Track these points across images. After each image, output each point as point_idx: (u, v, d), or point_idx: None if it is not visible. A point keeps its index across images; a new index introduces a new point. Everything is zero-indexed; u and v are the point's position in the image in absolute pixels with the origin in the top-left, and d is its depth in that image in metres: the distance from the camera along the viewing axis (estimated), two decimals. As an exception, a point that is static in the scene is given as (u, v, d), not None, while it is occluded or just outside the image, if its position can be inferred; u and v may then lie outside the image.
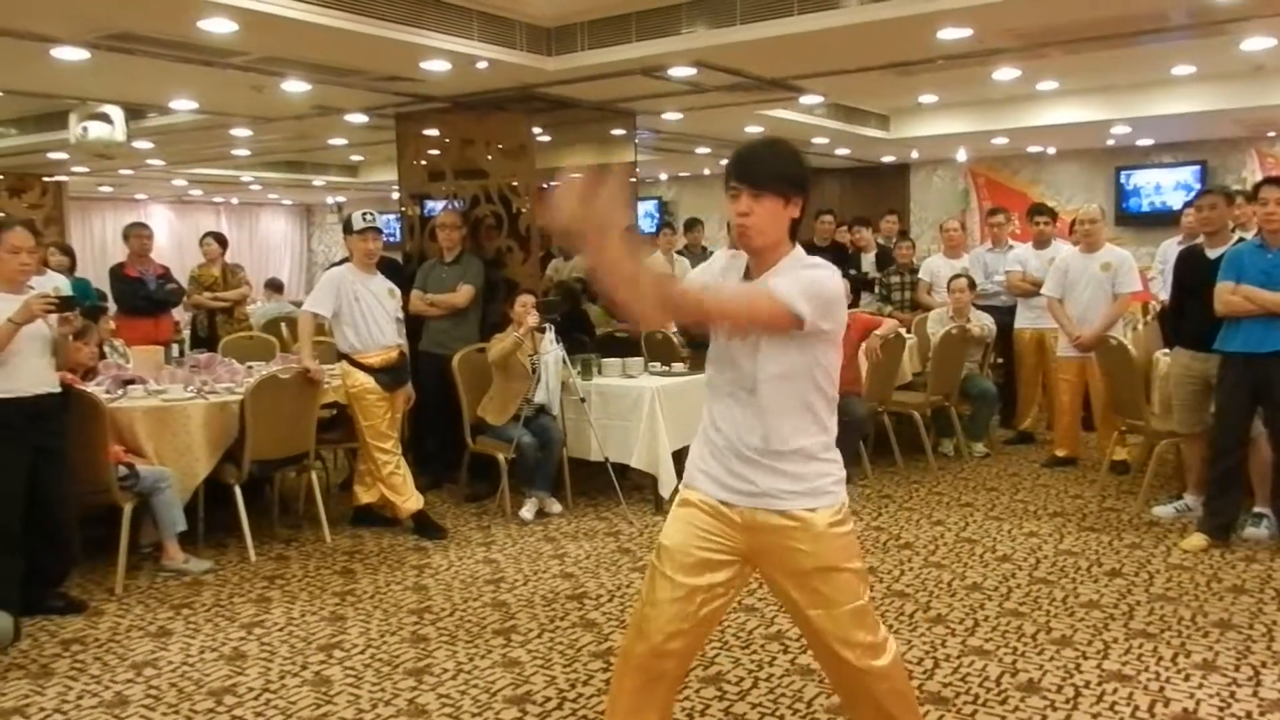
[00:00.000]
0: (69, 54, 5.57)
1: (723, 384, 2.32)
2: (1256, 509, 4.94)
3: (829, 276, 2.22)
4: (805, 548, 2.25)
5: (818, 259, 2.27)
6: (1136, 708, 3.21)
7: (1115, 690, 3.34)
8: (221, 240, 8.16)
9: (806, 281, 2.17)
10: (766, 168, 2.24)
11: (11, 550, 4.08)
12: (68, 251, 7.73)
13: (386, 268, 5.83)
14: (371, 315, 5.20)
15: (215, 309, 7.80)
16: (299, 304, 5.78)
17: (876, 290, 8.20)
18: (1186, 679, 3.41)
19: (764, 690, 3.39)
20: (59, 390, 4.24)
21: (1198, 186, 9.69)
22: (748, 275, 2.32)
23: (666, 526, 2.40)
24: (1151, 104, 8.64)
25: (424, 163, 7.21)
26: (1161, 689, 3.34)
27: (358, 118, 7.83)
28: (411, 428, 6.53)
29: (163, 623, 4.17)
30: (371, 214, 5.32)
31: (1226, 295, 4.65)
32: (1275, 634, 3.78)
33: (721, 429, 2.32)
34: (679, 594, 2.30)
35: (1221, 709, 3.19)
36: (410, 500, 5.36)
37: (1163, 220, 10.08)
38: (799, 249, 2.31)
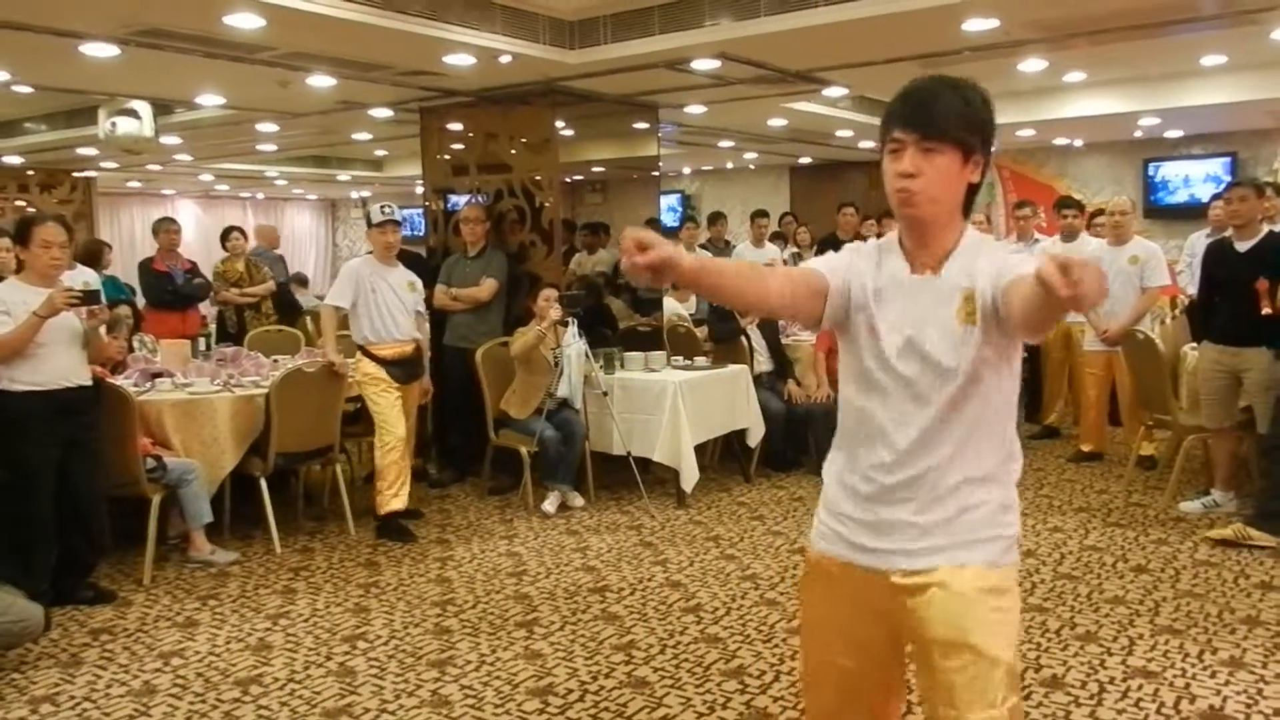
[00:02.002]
0: (98, 50, 5.63)
1: None
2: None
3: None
4: None
5: (1007, 242, 1.86)
6: (1162, 704, 3.18)
7: (1140, 686, 3.31)
8: (245, 234, 8.24)
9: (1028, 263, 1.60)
10: (947, 110, 1.71)
11: (43, 541, 4.15)
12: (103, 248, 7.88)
13: (410, 262, 5.86)
14: (387, 307, 5.21)
15: (243, 304, 7.87)
16: (324, 298, 5.83)
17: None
18: (1213, 676, 3.38)
19: (785, 684, 3.39)
20: (90, 383, 4.30)
21: (1228, 179, 9.56)
22: (909, 264, 1.79)
23: None
24: (1181, 95, 8.52)
25: (448, 157, 7.23)
26: (1187, 685, 3.31)
27: (382, 112, 7.86)
28: (435, 422, 6.57)
29: (190, 613, 4.22)
30: (390, 207, 5.34)
31: None
32: (1304, 631, 3.74)
33: None
34: None
35: (1249, 706, 3.16)
36: (395, 500, 5.22)
37: (1192, 213, 9.94)
38: (972, 229, 1.81)
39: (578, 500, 5.80)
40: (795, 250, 9.56)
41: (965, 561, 1.75)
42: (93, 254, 7.49)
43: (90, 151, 9.81)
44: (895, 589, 1.78)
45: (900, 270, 1.80)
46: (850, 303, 1.82)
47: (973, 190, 1.77)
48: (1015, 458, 1.83)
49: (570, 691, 3.39)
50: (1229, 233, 5.25)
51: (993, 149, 1.78)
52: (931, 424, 1.76)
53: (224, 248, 8.11)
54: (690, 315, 7.75)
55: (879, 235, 8.65)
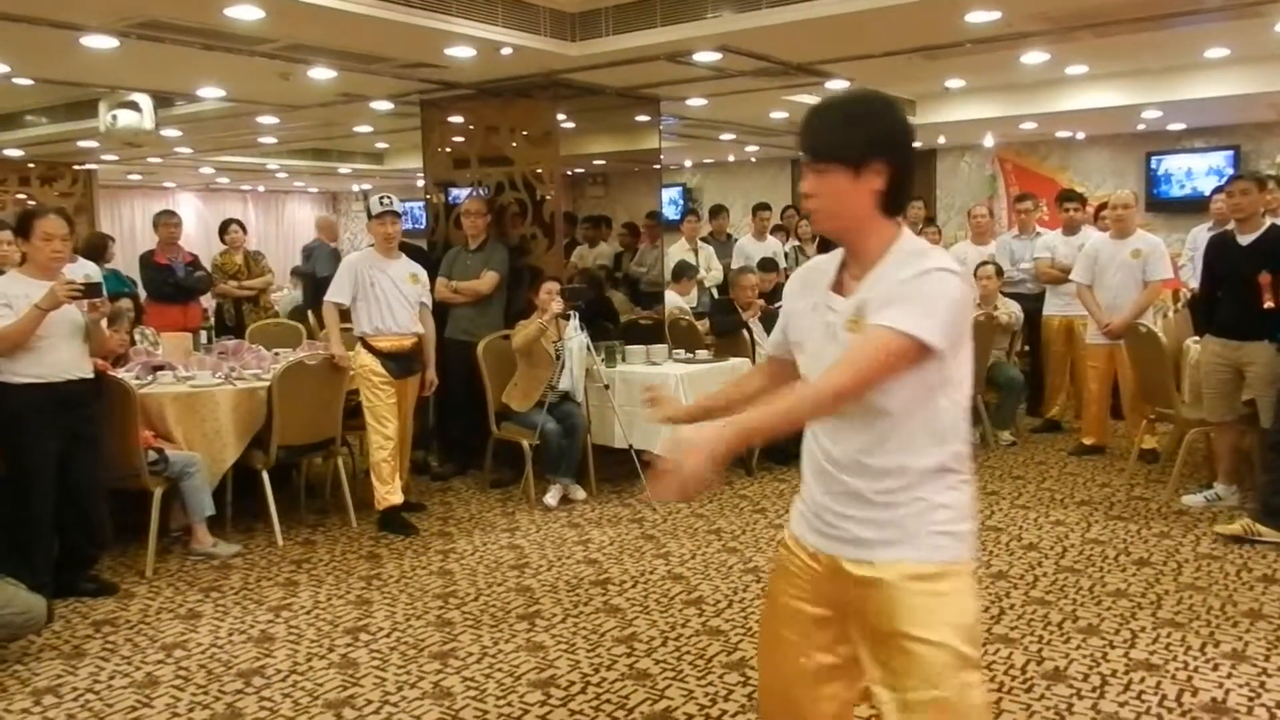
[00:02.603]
0: (98, 42, 5.61)
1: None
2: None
3: (943, 279, 1.72)
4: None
5: (926, 247, 1.82)
6: (1164, 697, 3.19)
7: (1143, 679, 3.31)
8: (244, 227, 8.24)
9: (914, 296, 1.70)
10: (824, 130, 1.80)
11: (45, 534, 4.16)
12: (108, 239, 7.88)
13: (412, 255, 5.84)
14: (385, 300, 5.19)
15: (241, 298, 7.86)
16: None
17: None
18: (1215, 668, 3.38)
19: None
20: (92, 376, 4.29)
21: (1230, 172, 9.53)
22: (840, 278, 1.87)
23: None
24: (1183, 88, 8.49)
25: (449, 150, 7.22)
26: (1190, 678, 3.31)
27: (383, 105, 7.85)
28: (437, 415, 6.57)
29: (192, 605, 4.23)
30: (389, 198, 5.32)
31: None
32: (1306, 624, 3.75)
33: None
34: None
35: (1251, 699, 3.16)
36: (392, 494, 5.22)
37: (1194, 206, 9.91)
38: (906, 233, 1.83)
39: (579, 493, 5.80)
40: (797, 243, 9.55)
41: (899, 557, 1.78)
42: (96, 247, 7.50)
43: (91, 144, 9.81)
44: (842, 576, 1.84)
45: (822, 292, 1.89)
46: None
47: (888, 194, 1.79)
48: (952, 456, 1.81)
49: (572, 683, 3.39)
50: (1231, 226, 5.24)
51: (906, 149, 1.83)
52: (855, 427, 1.81)
53: (222, 241, 8.11)
54: (692, 308, 7.75)
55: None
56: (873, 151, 1.77)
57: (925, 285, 1.71)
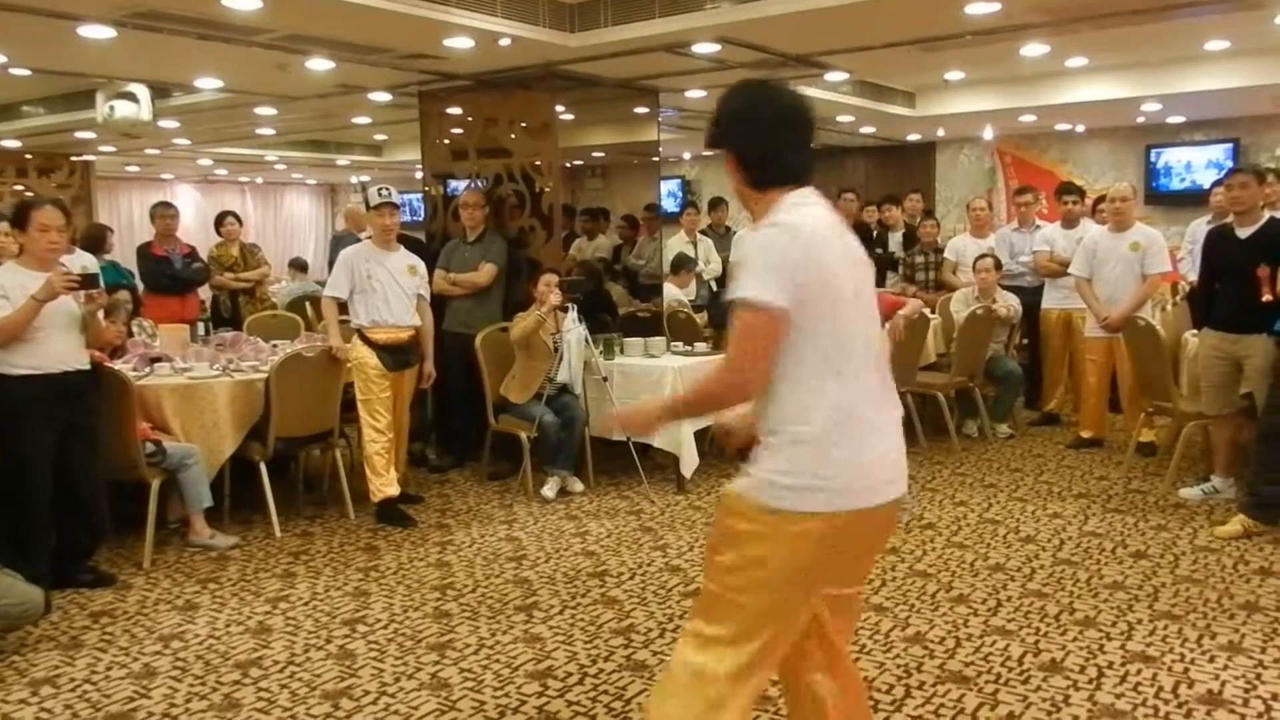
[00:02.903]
0: (95, 32, 5.60)
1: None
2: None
3: (751, 238, 2.01)
4: None
5: (776, 213, 2.02)
6: (1160, 688, 3.19)
7: (1139, 671, 3.32)
8: (239, 219, 8.22)
9: (738, 264, 1.99)
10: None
11: (42, 525, 4.16)
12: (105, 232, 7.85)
13: (411, 247, 5.84)
14: (382, 292, 5.17)
15: (238, 289, 7.85)
16: (323, 283, 5.82)
17: (901, 270, 8.15)
18: (1211, 660, 3.39)
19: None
20: (89, 368, 4.29)
21: (1230, 165, 9.52)
22: None
23: None
24: (1183, 80, 8.48)
25: (447, 141, 7.20)
26: (1186, 670, 3.32)
27: (381, 96, 7.83)
28: (435, 407, 6.57)
29: (189, 596, 4.23)
30: (387, 189, 5.30)
31: None
32: (1303, 617, 3.75)
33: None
34: None
35: (1247, 690, 3.17)
36: (388, 486, 5.20)
37: (1193, 199, 9.91)
38: (779, 204, 2.06)
39: (577, 485, 5.80)
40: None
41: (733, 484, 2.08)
42: (95, 238, 7.49)
43: (88, 135, 9.78)
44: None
45: None
46: None
47: (748, 170, 2.11)
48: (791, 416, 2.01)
49: (569, 675, 3.39)
50: (1230, 219, 5.24)
51: (746, 125, 2.09)
52: None
53: (218, 233, 8.09)
54: (690, 301, 7.75)
55: (879, 221, 8.62)
56: (722, 136, 2.11)
57: (740, 250, 2.00)
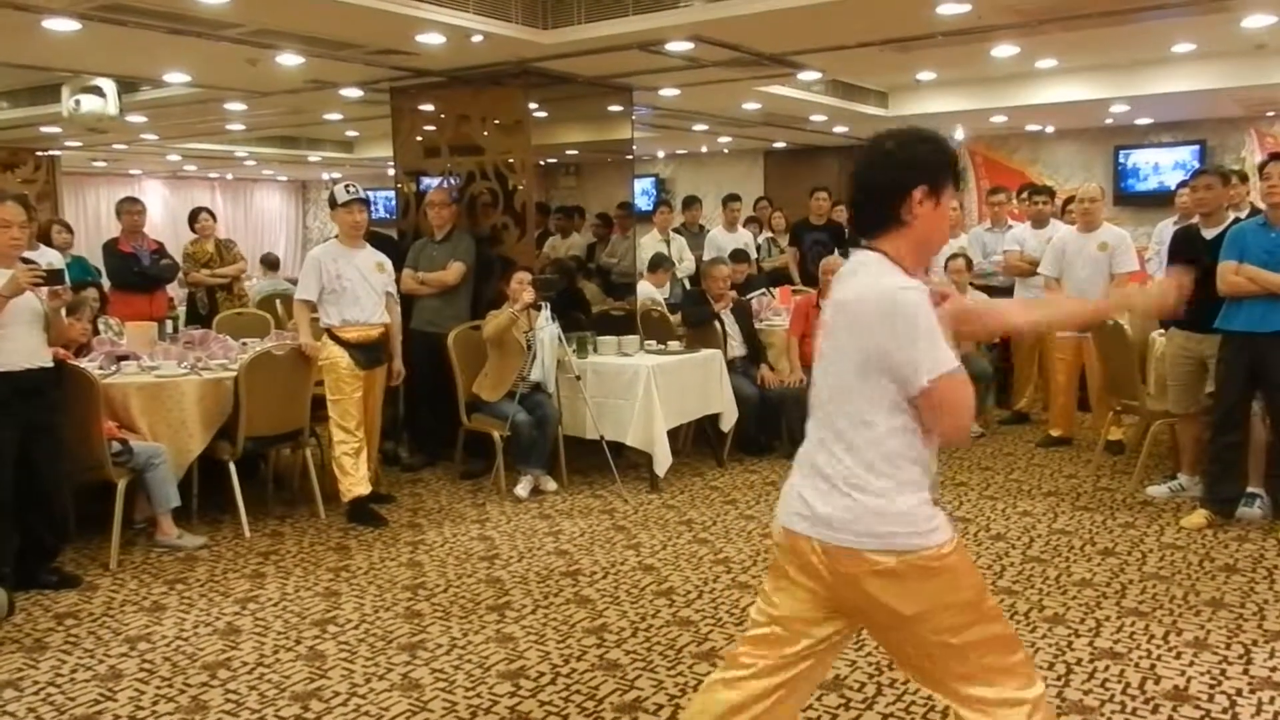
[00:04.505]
0: (60, 25, 5.50)
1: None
2: (1250, 489, 4.95)
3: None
4: None
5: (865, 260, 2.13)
6: (1128, 685, 3.22)
7: (1107, 668, 3.35)
8: (213, 215, 8.14)
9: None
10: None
11: (5, 525, 4.08)
12: (69, 229, 7.70)
13: (382, 244, 5.79)
14: (351, 291, 5.13)
15: (215, 286, 7.77)
16: (294, 280, 5.76)
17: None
18: (1178, 657, 3.43)
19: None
20: (51, 365, 4.22)
21: (1196, 166, 9.64)
22: None
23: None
24: (1151, 82, 8.57)
25: (420, 139, 7.16)
26: (1153, 666, 3.35)
27: (352, 92, 7.76)
28: (406, 406, 6.52)
29: (157, 598, 4.17)
30: (355, 186, 5.27)
31: (1230, 275, 4.64)
32: (1266, 613, 3.80)
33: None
34: None
35: (1212, 686, 3.20)
36: (358, 485, 5.16)
37: (1161, 200, 10.01)
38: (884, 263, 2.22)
39: (550, 484, 5.78)
40: (770, 235, 9.56)
41: None
42: (43, 231, 7.33)
43: (54, 130, 9.63)
44: None
45: None
46: None
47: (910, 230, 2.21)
48: None
49: (542, 674, 3.38)
50: (1196, 220, 5.30)
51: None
52: None
53: (192, 229, 8.00)
54: (664, 300, 7.75)
55: (850, 220, 8.64)
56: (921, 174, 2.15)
57: (894, 311, 2.09)
